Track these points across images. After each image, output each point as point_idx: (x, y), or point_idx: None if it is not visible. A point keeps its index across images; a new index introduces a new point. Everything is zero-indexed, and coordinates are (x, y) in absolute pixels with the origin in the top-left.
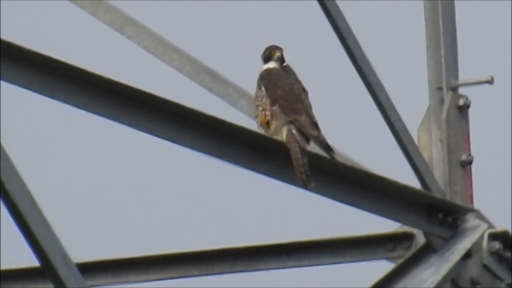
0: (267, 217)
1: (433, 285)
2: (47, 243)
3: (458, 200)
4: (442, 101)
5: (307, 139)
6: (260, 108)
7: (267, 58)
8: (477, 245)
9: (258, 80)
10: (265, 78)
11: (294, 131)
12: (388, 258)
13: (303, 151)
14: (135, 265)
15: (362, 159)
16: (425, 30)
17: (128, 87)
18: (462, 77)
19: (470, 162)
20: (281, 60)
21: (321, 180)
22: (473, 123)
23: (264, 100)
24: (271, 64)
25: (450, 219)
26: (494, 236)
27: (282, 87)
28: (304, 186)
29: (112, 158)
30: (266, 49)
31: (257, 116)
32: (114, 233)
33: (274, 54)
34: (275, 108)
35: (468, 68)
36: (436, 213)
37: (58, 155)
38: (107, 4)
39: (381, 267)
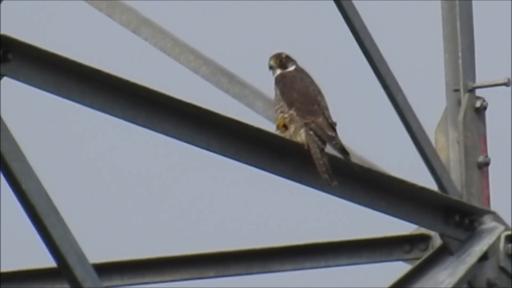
0: (283, 218)
1: (450, 286)
2: (63, 243)
3: (475, 202)
4: (459, 102)
5: (324, 142)
6: (278, 111)
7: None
8: (493, 247)
9: (274, 84)
10: (280, 82)
11: (311, 133)
12: (404, 260)
13: (322, 150)
14: (151, 266)
15: (379, 161)
16: (443, 32)
17: (144, 88)
18: (479, 79)
19: (487, 164)
20: (281, 66)
21: (337, 181)
22: (490, 124)
23: (281, 103)
24: (289, 68)
25: (467, 221)
26: (511, 238)
27: (297, 89)
28: (328, 184)
29: (129, 159)
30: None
31: (277, 119)
32: (130, 234)
33: (271, 64)
34: (292, 111)
35: (485, 70)
36: (452, 215)
37: (74, 156)
38: (123, 5)
39: (398, 269)
